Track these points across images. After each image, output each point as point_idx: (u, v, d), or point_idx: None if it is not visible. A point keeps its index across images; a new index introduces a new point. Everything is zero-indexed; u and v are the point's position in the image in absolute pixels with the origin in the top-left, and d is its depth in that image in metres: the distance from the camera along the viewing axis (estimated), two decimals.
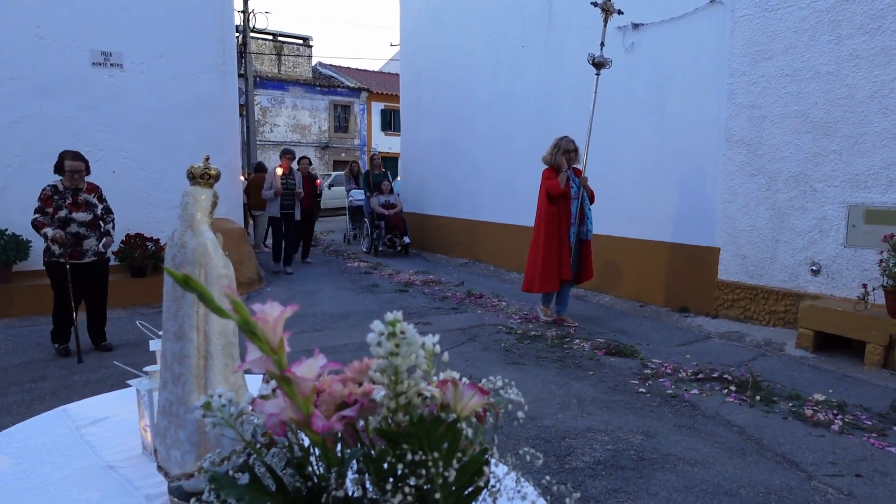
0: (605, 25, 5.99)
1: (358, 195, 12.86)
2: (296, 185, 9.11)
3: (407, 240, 11.15)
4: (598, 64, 5.92)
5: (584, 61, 8.05)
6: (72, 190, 4.96)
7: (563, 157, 5.79)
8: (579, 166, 5.99)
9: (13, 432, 1.59)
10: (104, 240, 5.06)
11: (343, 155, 27.12)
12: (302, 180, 9.45)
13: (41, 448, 1.50)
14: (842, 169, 5.30)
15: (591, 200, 6.03)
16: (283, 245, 9.21)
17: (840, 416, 3.73)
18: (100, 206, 5.12)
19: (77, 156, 5.00)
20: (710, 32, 6.35)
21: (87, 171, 5.07)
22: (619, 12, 6.10)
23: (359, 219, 13.13)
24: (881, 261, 4.70)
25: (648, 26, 7.04)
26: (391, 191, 11.36)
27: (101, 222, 5.11)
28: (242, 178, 12.50)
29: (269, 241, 13.11)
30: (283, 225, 9.11)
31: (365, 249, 11.85)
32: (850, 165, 5.26)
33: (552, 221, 5.84)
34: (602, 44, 5.98)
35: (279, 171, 8.92)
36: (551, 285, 5.90)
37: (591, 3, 6.02)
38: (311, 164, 10.40)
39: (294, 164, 9.63)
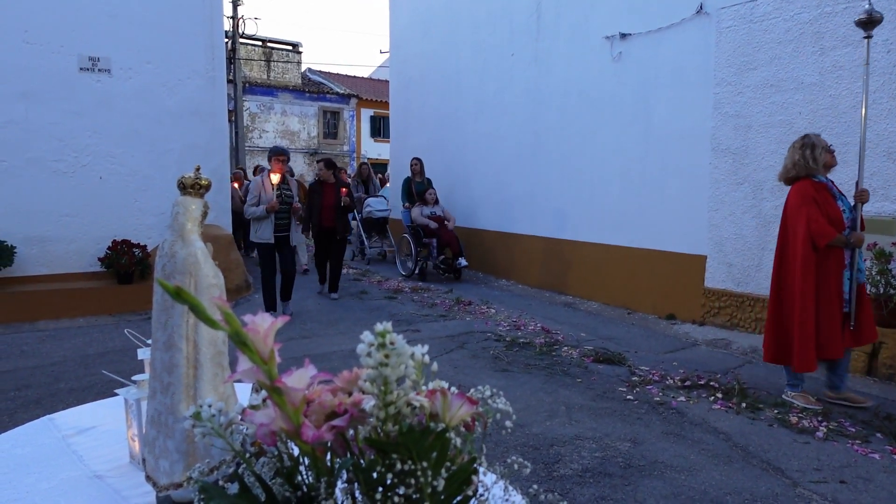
0: None
1: (378, 204, 10.70)
2: (293, 198, 6.54)
3: (463, 261, 9.02)
4: (875, 20, 4.00)
5: (572, 69, 8.11)
6: None
7: (825, 157, 4.11)
8: (822, 180, 4.19)
9: None
10: None
11: None
12: (323, 190, 7.47)
13: (27, 458, 1.49)
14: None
15: (862, 226, 4.11)
16: (281, 281, 6.67)
17: (824, 423, 3.77)
18: None
19: None
20: (696, 43, 6.43)
21: None
22: None
23: (373, 233, 11.18)
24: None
25: (636, 36, 7.11)
26: (436, 201, 9.48)
27: None
28: (237, 185, 11.42)
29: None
30: (276, 253, 6.50)
31: (406, 273, 9.63)
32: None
33: (816, 267, 3.96)
34: None
35: (275, 177, 6.32)
36: (815, 360, 3.98)
37: None
38: (332, 167, 7.82)
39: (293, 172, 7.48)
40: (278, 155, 6.42)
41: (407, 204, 9.57)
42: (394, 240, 10.94)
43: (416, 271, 9.32)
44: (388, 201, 10.97)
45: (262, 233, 6.34)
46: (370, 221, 10.79)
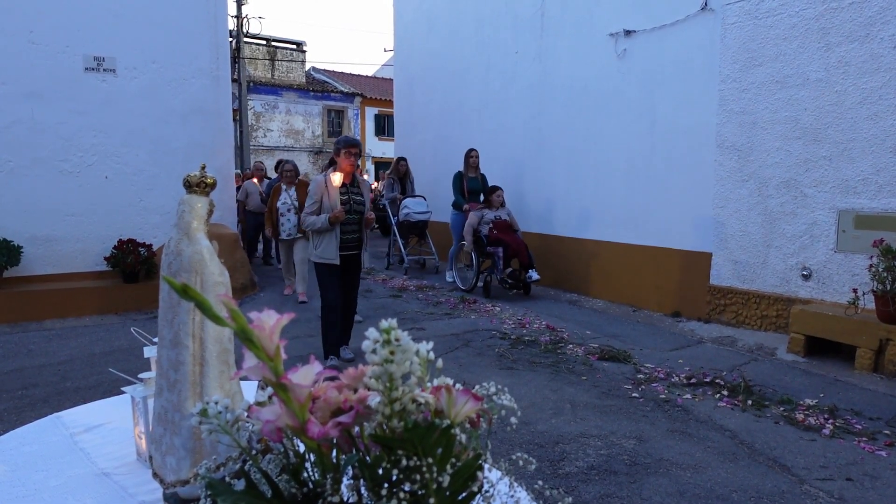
0: None
1: (416, 206, 9.23)
2: (365, 204, 4.91)
3: (535, 275, 7.47)
4: None
5: (576, 66, 8.09)
6: None
7: None
8: None
9: (7, 439, 1.59)
10: None
11: None
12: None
13: (35, 455, 1.50)
14: (832, 174, 5.35)
15: None
16: (342, 314, 4.92)
17: (831, 421, 3.76)
18: None
19: None
20: (701, 39, 6.40)
21: None
22: None
23: (410, 238, 9.77)
24: (871, 265, 4.74)
25: (640, 33, 7.09)
26: (502, 203, 7.93)
27: None
28: (255, 179, 10.41)
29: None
30: (338, 278, 4.75)
31: (466, 287, 8.13)
32: (840, 171, 5.31)
33: None
34: None
35: (336, 178, 4.61)
36: None
37: None
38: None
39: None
40: (349, 147, 4.66)
41: (466, 207, 8.02)
42: (433, 247, 9.83)
43: (475, 285, 7.99)
44: (427, 202, 9.63)
45: (325, 250, 4.64)
46: (408, 225, 9.30)
